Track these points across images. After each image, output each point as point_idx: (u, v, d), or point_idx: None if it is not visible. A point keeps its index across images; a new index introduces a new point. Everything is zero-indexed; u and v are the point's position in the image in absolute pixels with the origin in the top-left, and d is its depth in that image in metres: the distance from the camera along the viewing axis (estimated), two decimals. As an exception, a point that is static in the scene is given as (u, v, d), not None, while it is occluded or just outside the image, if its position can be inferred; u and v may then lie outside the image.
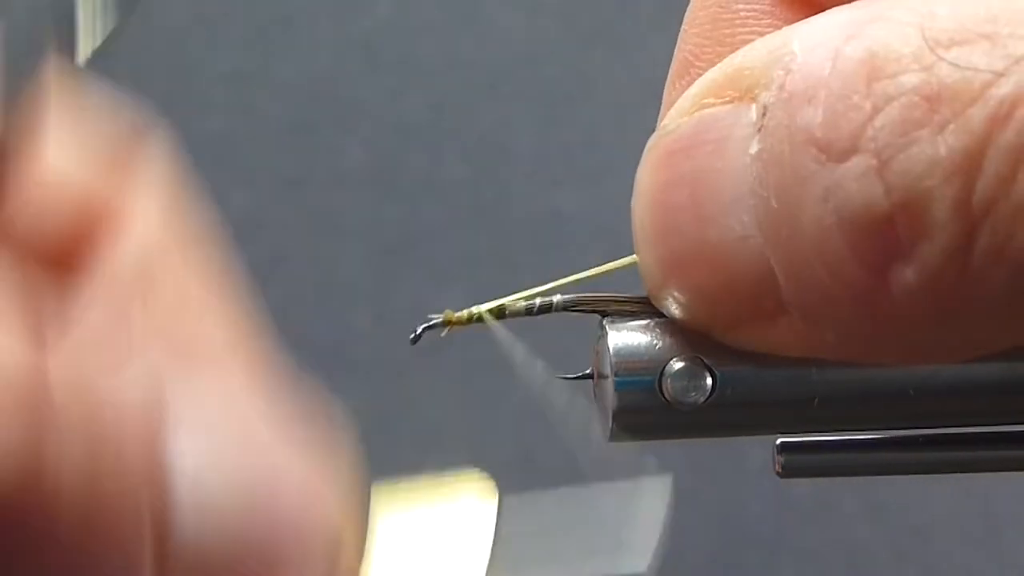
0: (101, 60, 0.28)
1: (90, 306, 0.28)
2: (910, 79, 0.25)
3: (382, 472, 0.30)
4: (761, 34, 0.28)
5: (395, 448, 1.06)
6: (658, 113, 0.32)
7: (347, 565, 0.29)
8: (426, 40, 1.14)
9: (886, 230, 0.25)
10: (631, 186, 0.29)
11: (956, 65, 0.24)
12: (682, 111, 0.28)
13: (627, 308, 0.31)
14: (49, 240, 0.28)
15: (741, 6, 0.31)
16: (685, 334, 0.30)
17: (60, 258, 0.28)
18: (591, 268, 0.32)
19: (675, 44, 0.32)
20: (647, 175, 0.29)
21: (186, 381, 0.28)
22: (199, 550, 0.27)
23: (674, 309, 0.29)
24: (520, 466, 1.03)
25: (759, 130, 0.26)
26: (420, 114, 1.12)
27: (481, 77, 1.13)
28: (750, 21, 0.31)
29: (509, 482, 1.04)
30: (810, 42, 0.26)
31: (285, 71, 1.14)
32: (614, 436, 0.31)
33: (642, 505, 0.31)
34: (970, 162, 0.24)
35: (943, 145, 0.24)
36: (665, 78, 0.32)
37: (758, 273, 0.27)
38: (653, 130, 0.30)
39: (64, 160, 0.29)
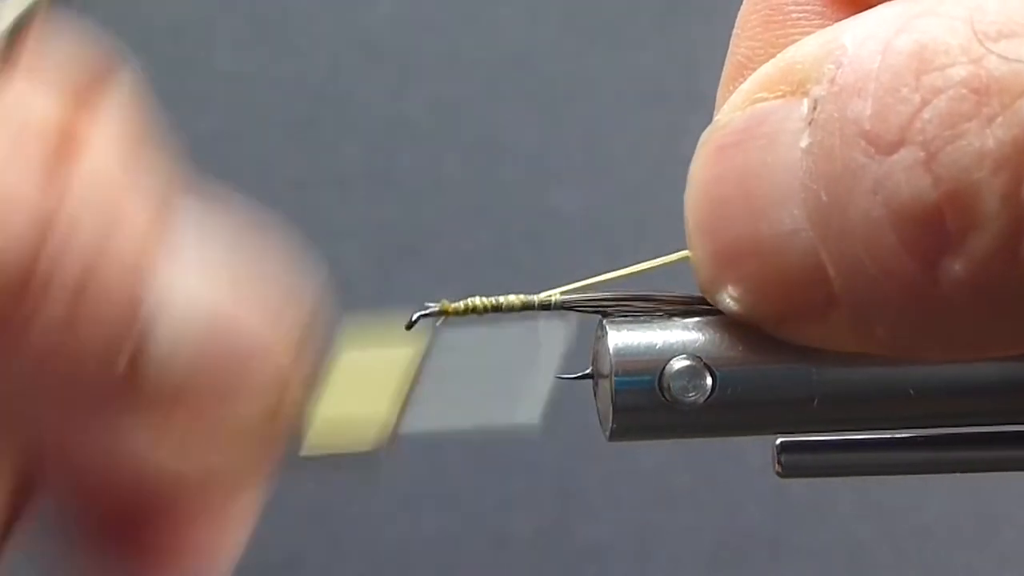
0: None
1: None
2: (958, 71, 0.25)
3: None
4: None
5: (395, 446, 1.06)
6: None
7: (292, 397, 0.33)
8: (426, 40, 1.14)
9: (935, 222, 0.25)
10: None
11: (1004, 58, 0.24)
12: (735, 106, 0.29)
13: (627, 308, 0.31)
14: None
15: (792, 7, 0.31)
16: (685, 333, 0.30)
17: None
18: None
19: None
20: (699, 169, 0.29)
21: (163, 231, 0.32)
22: (168, 361, 0.31)
23: (727, 303, 0.29)
24: (520, 466, 1.03)
25: (810, 124, 0.27)
26: (420, 114, 1.12)
27: (481, 77, 1.13)
28: (801, 22, 0.31)
29: (509, 482, 1.04)
30: (860, 36, 0.26)
31: (285, 71, 1.14)
32: (614, 436, 0.31)
33: (539, 348, 0.33)
34: (1019, 154, 0.24)
35: (991, 137, 0.24)
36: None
37: (809, 267, 0.27)
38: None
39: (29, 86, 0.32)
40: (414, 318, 0.32)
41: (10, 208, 0.29)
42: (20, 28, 0.31)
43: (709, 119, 0.30)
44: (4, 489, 0.32)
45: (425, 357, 0.33)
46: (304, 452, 0.34)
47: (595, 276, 0.32)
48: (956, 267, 0.25)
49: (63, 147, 0.31)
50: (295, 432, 0.34)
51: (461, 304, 0.32)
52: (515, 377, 0.33)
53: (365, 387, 0.34)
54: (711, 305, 0.30)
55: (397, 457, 0.33)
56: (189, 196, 0.34)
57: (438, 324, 0.33)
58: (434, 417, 0.34)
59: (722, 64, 0.33)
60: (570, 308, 0.32)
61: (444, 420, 0.34)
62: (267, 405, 0.32)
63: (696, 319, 0.30)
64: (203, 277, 0.32)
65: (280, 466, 0.34)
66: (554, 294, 0.32)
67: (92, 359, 0.30)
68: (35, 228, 0.29)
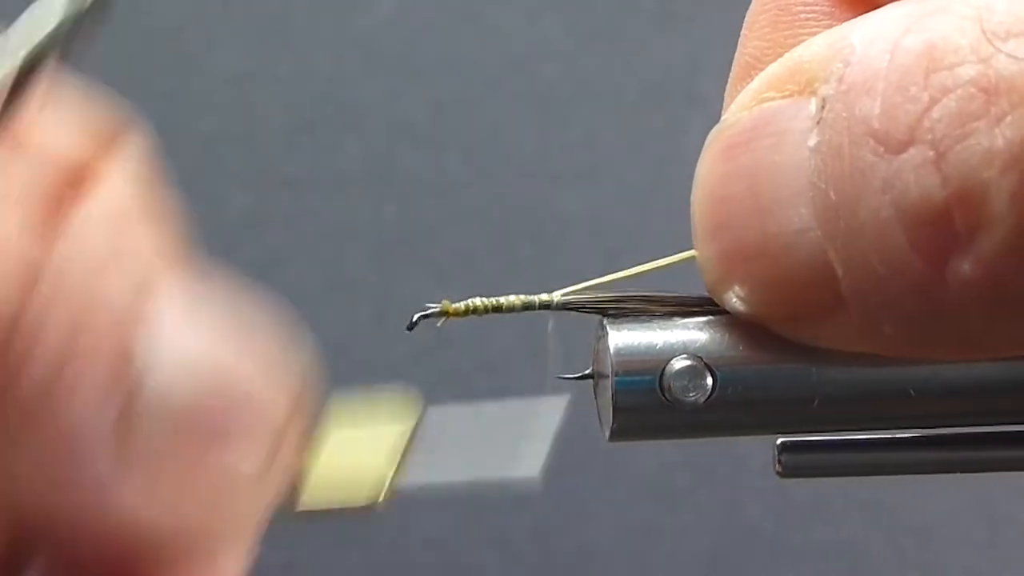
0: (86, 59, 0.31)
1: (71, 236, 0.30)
2: (967, 71, 0.25)
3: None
4: None
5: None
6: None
7: (288, 450, 0.32)
8: (426, 40, 1.14)
9: (944, 222, 0.25)
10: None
11: (1014, 57, 0.24)
12: (742, 105, 0.29)
13: (627, 308, 0.31)
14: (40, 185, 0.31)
15: (800, 8, 0.31)
16: (686, 333, 0.30)
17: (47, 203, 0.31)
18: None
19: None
20: (707, 168, 0.29)
21: (157, 287, 0.31)
22: (161, 412, 0.30)
23: (734, 303, 0.29)
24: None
25: (818, 123, 0.27)
26: (420, 114, 1.12)
27: (481, 77, 1.13)
28: (810, 22, 0.31)
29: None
30: (869, 35, 0.26)
31: (285, 71, 1.14)
32: (614, 436, 0.31)
33: (538, 419, 0.34)
34: None
35: (1000, 137, 0.24)
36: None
37: (816, 266, 0.27)
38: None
39: (46, 131, 0.32)
40: (415, 319, 0.32)
41: None
42: (31, 67, 0.30)
43: (709, 119, 0.30)
44: None
45: (414, 436, 0.34)
46: (300, 507, 0.33)
47: (597, 277, 0.32)
48: (965, 267, 0.25)
49: (66, 190, 0.30)
50: (290, 486, 0.33)
51: (462, 305, 0.32)
52: (512, 441, 0.34)
53: (358, 455, 0.34)
54: (712, 305, 0.30)
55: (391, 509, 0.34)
56: (187, 264, 0.33)
57: (439, 324, 0.33)
58: (431, 472, 0.34)
59: (722, 64, 0.33)
60: (571, 308, 0.32)
61: (441, 475, 0.34)
62: (263, 458, 0.31)
63: (697, 319, 0.30)
64: (196, 329, 0.31)
65: (274, 519, 0.33)
66: (555, 295, 0.32)
67: (81, 413, 0.29)
68: (22, 276, 0.28)
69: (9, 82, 0.30)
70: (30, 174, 0.30)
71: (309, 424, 0.33)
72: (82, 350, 0.29)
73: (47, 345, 0.28)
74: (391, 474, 0.33)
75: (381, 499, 0.33)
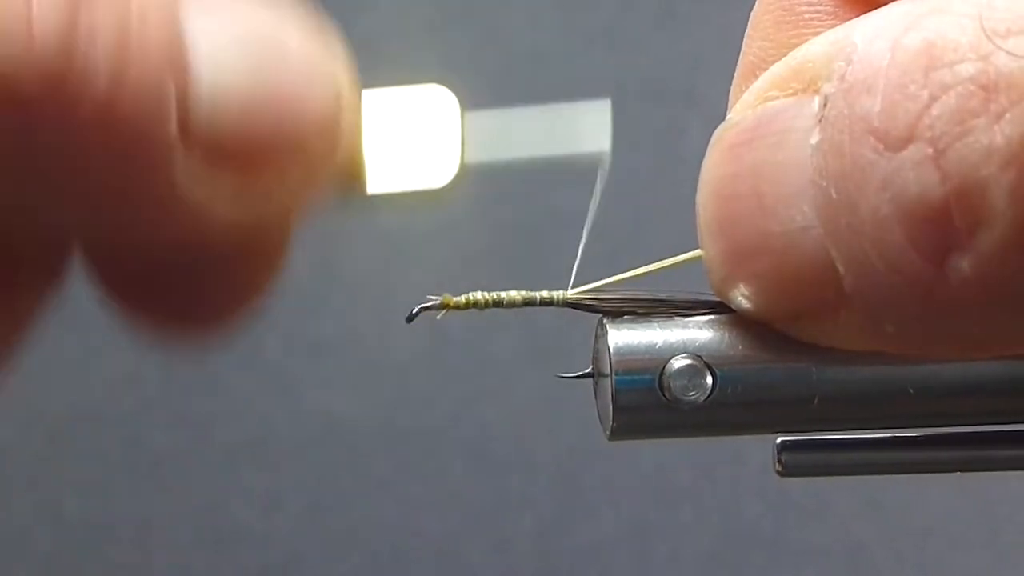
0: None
1: None
2: (967, 68, 0.25)
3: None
4: None
5: (395, 446, 1.06)
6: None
7: (349, 130, 0.31)
8: (426, 40, 1.14)
9: (943, 219, 0.25)
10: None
11: (1013, 54, 0.25)
12: (747, 104, 0.29)
13: (628, 307, 0.31)
14: None
15: (804, 7, 0.31)
16: (685, 332, 0.30)
17: None
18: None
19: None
20: (711, 167, 0.29)
21: None
22: (218, 118, 0.28)
23: (740, 301, 0.29)
24: (520, 466, 1.03)
25: (820, 121, 0.27)
26: (420, 114, 1.12)
27: (481, 77, 1.13)
28: (813, 22, 0.31)
29: (509, 482, 1.04)
30: (870, 34, 0.27)
31: (285, 71, 1.14)
32: (614, 435, 0.31)
33: (587, 122, 0.34)
34: None
35: (999, 134, 0.24)
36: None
37: (819, 264, 0.27)
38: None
39: None
40: (415, 311, 0.33)
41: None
42: None
43: (709, 119, 0.30)
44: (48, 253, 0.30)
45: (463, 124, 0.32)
46: (370, 190, 0.32)
47: (596, 277, 0.32)
48: (964, 264, 0.25)
49: None
50: (356, 169, 0.32)
51: (463, 298, 0.33)
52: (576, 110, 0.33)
53: (415, 124, 0.33)
54: (713, 305, 0.30)
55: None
56: None
57: (439, 317, 0.33)
58: (499, 147, 0.33)
59: (722, 64, 0.33)
60: (573, 306, 0.32)
61: (510, 150, 0.33)
62: (325, 139, 0.30)
63: (697, 318, 0.30)
64: (242, 14, 0.29)
65: (344, 206, 0.32)
66: (558, 292, 0.32)
67: (140, 121, 0.27)
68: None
69: None
70: None
71: (360, 99, 0.32)
72: (135, 52, 0.27)
73: (101, 57, 0.26)
74: (456, 146, 0.32)
75: (453, 176, 0.32)
